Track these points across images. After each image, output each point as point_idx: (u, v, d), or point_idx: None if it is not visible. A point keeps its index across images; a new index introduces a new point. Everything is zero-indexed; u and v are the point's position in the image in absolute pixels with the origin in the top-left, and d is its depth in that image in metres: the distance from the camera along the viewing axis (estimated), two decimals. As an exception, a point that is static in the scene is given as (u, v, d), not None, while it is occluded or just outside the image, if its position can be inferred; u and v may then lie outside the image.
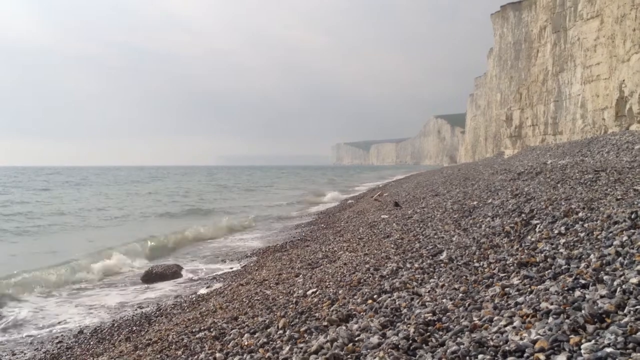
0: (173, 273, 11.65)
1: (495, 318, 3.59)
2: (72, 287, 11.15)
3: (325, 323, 4.56)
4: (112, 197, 40.41)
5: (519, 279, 4.42)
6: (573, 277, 3.95)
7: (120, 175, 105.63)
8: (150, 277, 11.47)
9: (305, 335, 4.42)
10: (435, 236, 7.90)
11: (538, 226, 6.43)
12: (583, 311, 3.17)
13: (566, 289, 3.74)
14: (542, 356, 2.85)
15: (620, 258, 4.13)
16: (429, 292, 4.81)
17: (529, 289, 4.06)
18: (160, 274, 11.53)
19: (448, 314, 3.99)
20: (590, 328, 2.99)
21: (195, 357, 4.93)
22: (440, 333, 3.63)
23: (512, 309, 3.67)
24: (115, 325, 8.10)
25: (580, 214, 6.34)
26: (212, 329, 5.73)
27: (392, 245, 8.03)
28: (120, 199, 37.80)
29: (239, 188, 54.56)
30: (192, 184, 65.02)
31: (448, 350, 3.22)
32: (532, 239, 5.84)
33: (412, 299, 4.65)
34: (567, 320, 3.12)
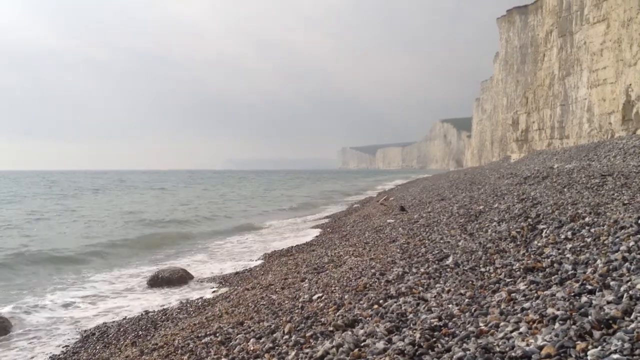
0: (179, 277, 11.67)
1: (502, 324, 3.58)
2: (76, 290, 11.19)
3: (331, 328, 4.55)
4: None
5: (526, 284, 4.40)
6: (580, 283, 3.94)
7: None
8: (156, 282, 11.51)
9: (311, 340, 4.41)
10: (442, 241, 7.88)
11: (544, 231, 6.41)
12: (590, 317, 3.16)
13: (573, 294, 3.72)
14: (548, 362, 2.84)
15: (627, 263, 4.11)
16: (435, 297, 4.80)
17: (535, 295, 4.05)
18: (166, 278, 11.56)
19: (454, 319, 3.98)
20: (596, 334, 2.98)
21: (201, 362, 4.94)
22: (446, 339, 3.62)
23: (519, 315, 3.66)
24: (122, 329, 8.13)
25: (586, 219, 6.31)
26: (218, 334, 5.73)
27: (398, 250, 8.02)
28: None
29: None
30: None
31: (454, 356, 3.21)
32: (539, 244, 5.82)
33: (418, 304, 4.64)
34: (573, 326, 3.11)
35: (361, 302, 5.26)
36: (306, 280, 7.81)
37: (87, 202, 40.85)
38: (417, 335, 3.68)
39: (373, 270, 6.71)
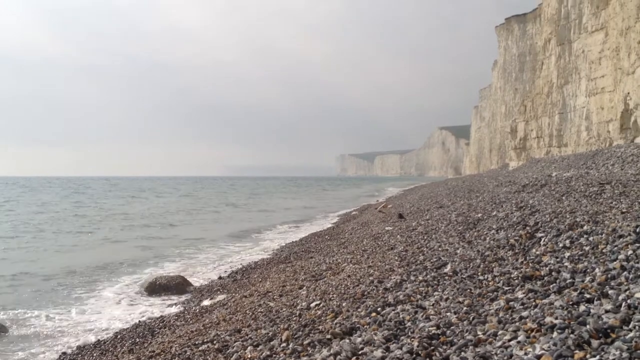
0: (177, 284, 11.63)
1: (500, 332, 3.57)
2: (76, 295, 11.15)
3: (328, 336, 4.54)
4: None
5: (524, 293, 4.39)
6: (578, 291, 3.93)
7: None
8: (154, 289, 11.47)
9: (309, 348, 4.40)
10: (440, 248, 7.87)
11: (543, 239, 6.40)
12: (588, 326, 3.15)
13: (571, 303, 3.72)
14: (546, 371, 2.83)
15: (626, 272, 4.10)
16: (433, 305, 4.79)
17: (533, 303, 4.04)
18: (164, 285, 11.52)
19: (452, 327, 3.97)
20: (595, 343, 2.97)
21: (198, 369, 4.91)
22: (444, 347, 3.61)
23: (517, 323, 3.65)
24: (119, 337, 8.09)
25: (585, 227, 6.31)
26: (215, 342, 5.71)
27: (396, 258, 8.00)
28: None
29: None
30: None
31: (452, 365, 3.20)
32: (537, 252, 5.81)
33: (416, 312, 4.63)
34: (571, 335, 3.10)
35: (359, 310, 5.24)
36: (304, 288, 7.79)
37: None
38: (415, 343, 3.67)
39: (371, 278, 6.69)
